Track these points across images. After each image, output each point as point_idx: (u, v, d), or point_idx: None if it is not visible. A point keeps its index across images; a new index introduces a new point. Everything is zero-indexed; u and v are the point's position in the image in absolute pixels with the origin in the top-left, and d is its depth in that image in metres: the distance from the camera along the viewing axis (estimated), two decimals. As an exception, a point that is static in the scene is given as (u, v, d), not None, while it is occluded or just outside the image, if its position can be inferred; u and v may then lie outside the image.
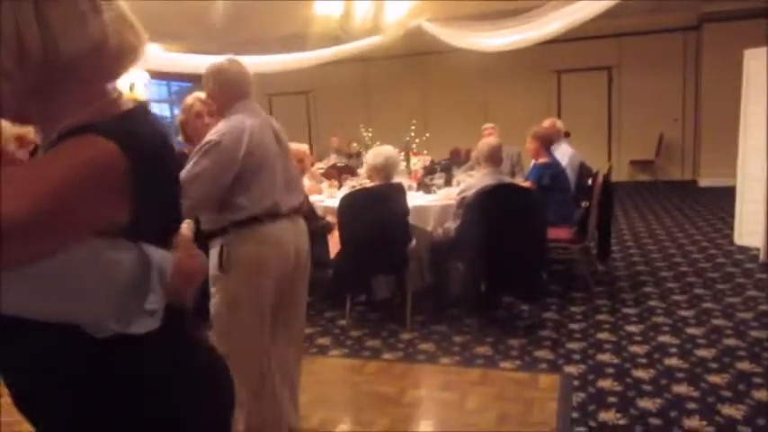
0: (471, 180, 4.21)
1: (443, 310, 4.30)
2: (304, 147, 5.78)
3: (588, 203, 4.49)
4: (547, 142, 4.99)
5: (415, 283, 4.47)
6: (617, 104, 11.26)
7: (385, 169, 4.00)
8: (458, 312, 4.22)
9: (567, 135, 11.49)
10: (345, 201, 3.95)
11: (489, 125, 6.33)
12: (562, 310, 4.26)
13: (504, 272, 3.77)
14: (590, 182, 4.71)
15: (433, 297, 4.51)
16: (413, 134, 5.60)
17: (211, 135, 2.22)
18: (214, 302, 2.30)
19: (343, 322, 4.23)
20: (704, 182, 10.17)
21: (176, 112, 13.07)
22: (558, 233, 4.56)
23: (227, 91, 2.37)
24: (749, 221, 5.74)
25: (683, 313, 4.07)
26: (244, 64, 2.44)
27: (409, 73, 12.21)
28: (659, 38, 10.72)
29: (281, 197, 2.31)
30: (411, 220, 4.35)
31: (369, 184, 4.28)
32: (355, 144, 9.15)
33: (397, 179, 5.43)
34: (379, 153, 4.03)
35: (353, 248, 3.94)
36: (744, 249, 5.67)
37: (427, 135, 5.88)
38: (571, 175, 5.40)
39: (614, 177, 11.18)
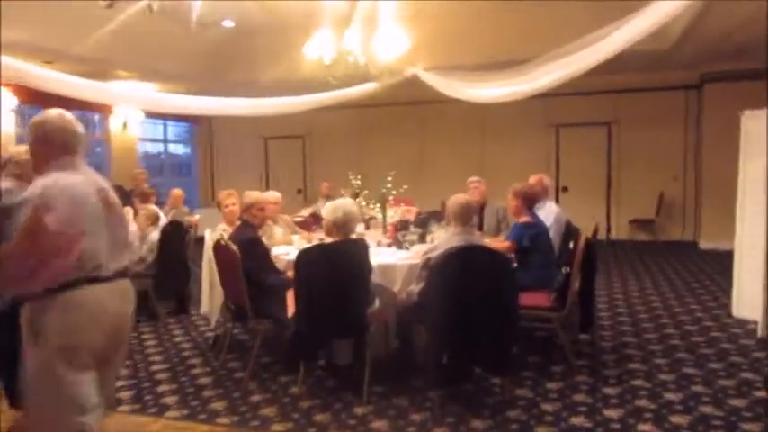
0: (438, 240, 3.90)
1: (406, 380, 3.93)
2: (274, 195, 5.54)
3: (569, 268, 4.15)
4: (529, 200, 4.69)
5: (378, 349, 4.13)
6: (616, 161, 11.02)
7: (345, 225, 3.70)
8: (422, 384, 3.84)
9: (564, 190, 11.30)
10: (301, 257, 3.64)
11: (475, 179, 6.05)
12: (537, 386, 3.87)
13: (469, 342, 3.41)
14: (571, 245, 4.38)
15: (397, 365, 4.14)
16: (389, 185, 5.32)
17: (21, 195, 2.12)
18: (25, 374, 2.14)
19: (295, 389, 3.86)
20: (705, 244, 9.81)
21: (171, 150, 12.97)
22: (536, 299, 4.22)
23: (45, 146, 2.23)
24: (747, 292, 5.37)
25: (669, 396, 3.67)
26: (71, 118, 2.32)
27: (406, 121, 12.08)
28: (660, 95, 10.56)
29: (105, 259, 2.18)
30: (376, 279, 4.04)
31: (327, 239, 3.98)
32: (343, 191, 8.90)
33: (372, 233, 5.18)
34: (336, 207, 3.74)
35: (308, 309, 3.61)
36: (741, 322, 5.28)
37: (405, 187, 5.59)
38: (555, 236, 5.08)
39: (614, 236, 10.97)
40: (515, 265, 4.71)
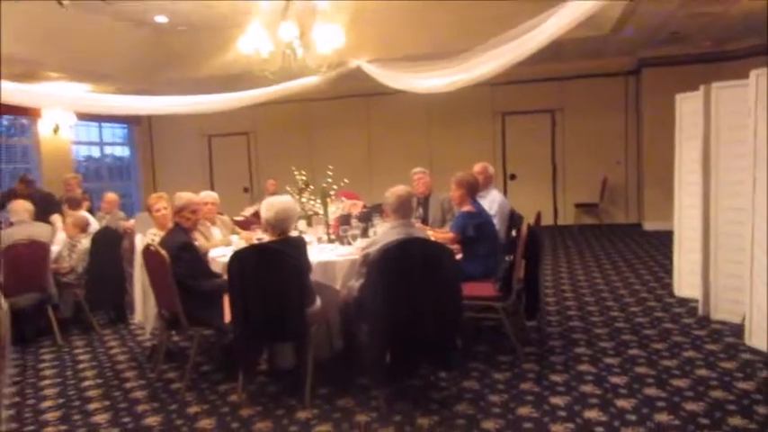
0: (377, 234, 3.79)
1: (352, 379, 3.80)
2: (211, 195, 5.33)
3: (512, 257, 4.11)
4: (471, 189, 4.62)
5: (322, 350, 3.99)
6: (561, 147, 11.16)
7: (280, 223, 3.54)
8: (367, 383, 3.72)
9: (512, 178, 11.36)
10: (233, 259, 3.47)
11: (419, 170, 5.96)
12: (484, 377, 3.81)
13: (412, 338, 3.32)
14: (514, 233, 4.34)
15: (341, 365, 4.02)
16: (330, 180, 5.17)
17: None
18: None
19: (235, 398, 3.69)
20: (649, 225, 10.04)
21: (108, 153, 12.45)
22: (481, 289, 4.16)
23: None
24: (688, 272, 5.47)
25: (615, 380, 3.67)
26: None
27: (352, 114, 11.94)
28: (601, 82, 10.74)
29: None
30: (317, 277, 3.90)
31: (266, 238, 3.82)
32: (289, 188, 8.69)
33: (315, 229, 5.02)
34: (271, 205, 3.57)
35: (243, 313, 3.44)
36: (683, 302, 5.37)
37: (346, 181, 5.45)
38: (499, 224, 5.04)
39: (560, 221, 11.11)
40: (460, 255, 4.67)
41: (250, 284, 3.42)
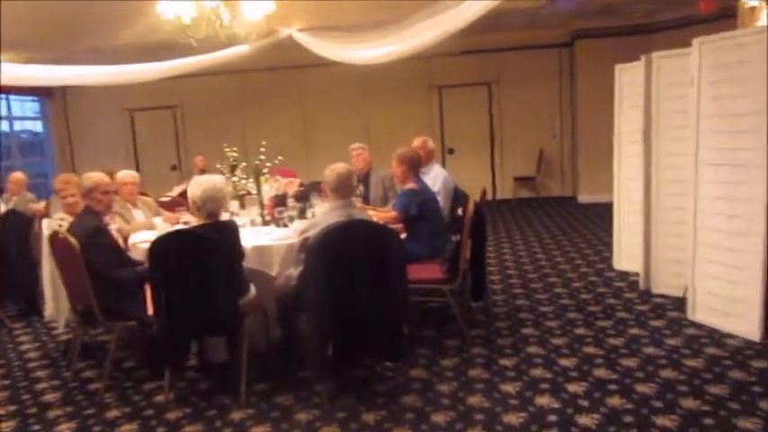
0: (316, 217, 3.50)
1: (291, 374, 3.54)
2: (130, 174, 4.87)
3: (459, 237, 3.91)
4: (414, 165, 4.39)
5: (258, 342, 3.70)
6: (498, 120, 11.10)
7: (207, 205, 3.19)
8: (308, 376, 3.46)
9: (450, 152, 11.24)
10: (155, 246, 3.10)
11: (357, 145, 5.66)
12: (432, 364, 3.63)
13: (355, 328, 3.07)
14: (460, 211, 4.14)
15: (280, 358, 3.74)
16: (263, 157, 4.81)
17: None
18: None
19: (161, 398, 3.35)
20: (583, 198, 10.15)
21: (17, 128, 11.46)
22: (427, 271, 3.96)
23: None
24: (628, 245, 5.46)
25: (564, 363, 3.56)
26: None
27: (286, 87, 11.43)
28: (536, 53, 10.68)
29: None
30: (252, 264, 3.59)
31: (193, 221, 3.46)
32: (219, 165, 8.21)
33: (248, 211, 4.65)
34: (197, 185, 3.21)
35: (167, 305, 3.09)
36: (623, 275, 5.37)
37: (280, 158, 5.10)
38: (444, 202, 4.85)
39: (498, 195, 11.11)
40: (404, 235, 4.44)
41: (174, 273, 3.07)
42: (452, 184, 5.02)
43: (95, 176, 3.57)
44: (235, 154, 5.59)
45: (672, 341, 3.80)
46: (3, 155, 10.90)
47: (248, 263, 3.58)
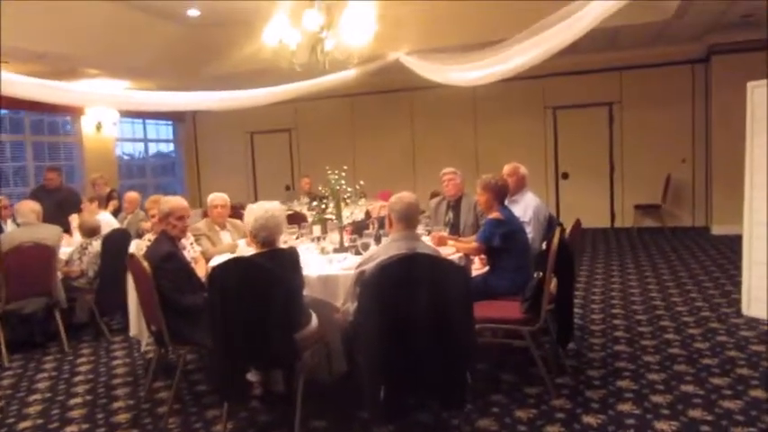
0: (377, 248, 3.30)
1: (352, 412, 3.35)
2: (220, 197, 4.97)
3: (541, 273, 3.53)
4: (499, 193, 4.07)
5: (321, 374, 3.55)
6: (618, 143, 10.29)
7: (259, 233, 3.11)
8: (368, 416, 3.25)
9: (564, 177, 10.62)
10: (214, 272, 3.07)
11: (449, 170, 5.39)
12: (505, 414, 3.27)
13: (409, 373, 2.82)
14: (544, 245, 3.76)
15: (342, 393, 3.56)
16: (342, 181, 4.69)
17: None
18: None
19: (219, 428, 3.30)
20: (718, 229, 9.08)
21: (153, 150, 12.43)
22: (505, 310, 3.61)
23: None
24: (758, 288, 4.72)
25: (661, 426, 3.05)
26: None
27: (396, 109, 11.46)
28: (664, 71, 9.81)
29: None
30: (316, 293, 3.47)
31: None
32: (321, 188, 8.29)
33: (329, 237, 4.56)
34: (251, 212, 3.14)
35: (223, 335, 3.04)
36: (752, 323, 4.63)
37: (361, 183, 4.97)
38: (535, 233, 4.47)
39: (617, 223, 10.27)
40: (487, 268, 4.14)
41: (228, 302, 3.00)
42: (546, 213, 4.63)
43: (172, 201, 3.64)
44: (336, 176, 5.45)
45: (804, 411, 3.14)
46: (137, 174, 11.89)
47: (313, 292, 3.47)
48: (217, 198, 4.90)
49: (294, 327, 3.12)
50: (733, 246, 7.53)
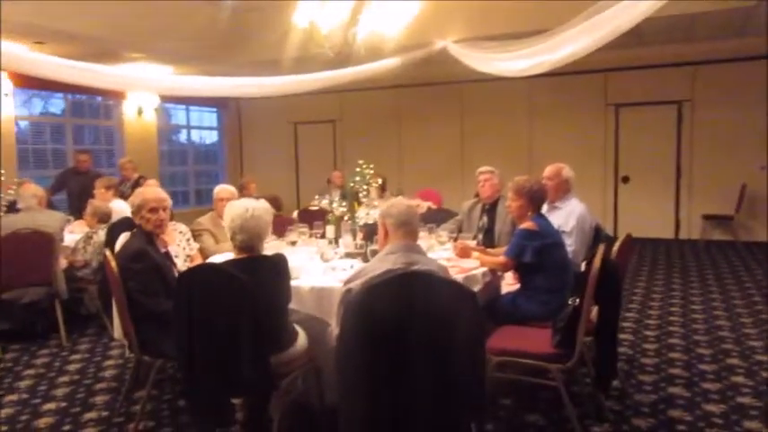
0: (371, 260, 2.76)
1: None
2: (227, 189, 4.55)
3: (578, 300, 2.89)
4: (535, 199, 3.46)
5: (310, 401, 3.05)
6: (688, 146, 9.32)
7: (235, 235, 2.62)
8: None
9: (624, 180, 9.75)
10: (181, 279, 2.61)
11: (486, 169, 4.77)
12: (522, 470, 2.68)
13: (397, 426, 2.26)
14: (583, 266, 3.12)
15: (334, 424, 3.04)
16: (368, 177, 4.17)
17: None
18: None
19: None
20: (799, 247, 8.07)
21: (195, 137, 12.25)
22: (530, 342, 3.01)
23: None
24: None
25: (722, 508, 2.40)
26: None
27: (445, 103, 10.84)
28: (743, 66, 8.77)
29: None
30: (310, 308, 2.98)
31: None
32: (352, 184, 7.78)
33: (343, 240, 4.05)
34: (230, 208, 2.66)
35: (187, 352, 2.58)
36: (843, 368, 3.83)
37: (379, 181, 4.44)
38: (577, 245, 3.82)
39: (682, 234, 9.33)
40: (517, 286, 3.54)
41: (195, 315, 2.54)
42: (591, 223, 3.96)
43: (146, 192, 3.21)
44: (370, 171, 4.89)
45: None
46: (178, 161, 11.73)
47: (304, 307, 2.98)
48: (223, 190, 4.49)
49: (270, 347, 2.62)
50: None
